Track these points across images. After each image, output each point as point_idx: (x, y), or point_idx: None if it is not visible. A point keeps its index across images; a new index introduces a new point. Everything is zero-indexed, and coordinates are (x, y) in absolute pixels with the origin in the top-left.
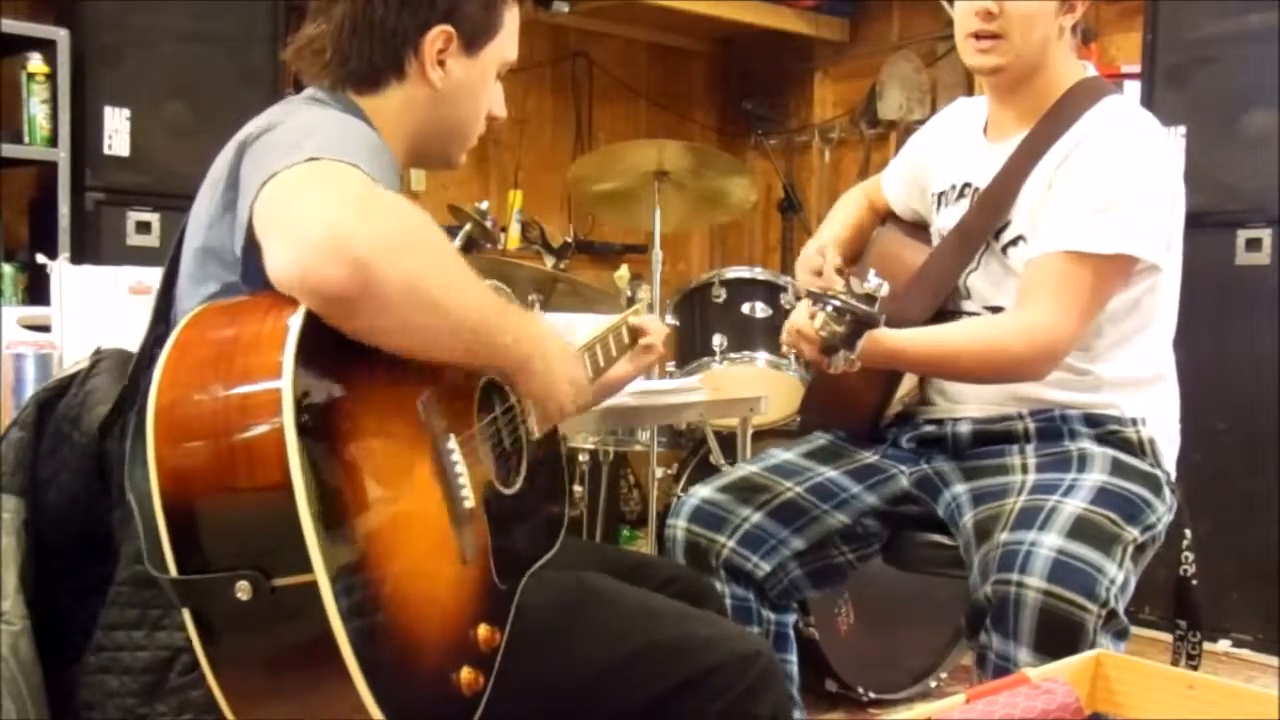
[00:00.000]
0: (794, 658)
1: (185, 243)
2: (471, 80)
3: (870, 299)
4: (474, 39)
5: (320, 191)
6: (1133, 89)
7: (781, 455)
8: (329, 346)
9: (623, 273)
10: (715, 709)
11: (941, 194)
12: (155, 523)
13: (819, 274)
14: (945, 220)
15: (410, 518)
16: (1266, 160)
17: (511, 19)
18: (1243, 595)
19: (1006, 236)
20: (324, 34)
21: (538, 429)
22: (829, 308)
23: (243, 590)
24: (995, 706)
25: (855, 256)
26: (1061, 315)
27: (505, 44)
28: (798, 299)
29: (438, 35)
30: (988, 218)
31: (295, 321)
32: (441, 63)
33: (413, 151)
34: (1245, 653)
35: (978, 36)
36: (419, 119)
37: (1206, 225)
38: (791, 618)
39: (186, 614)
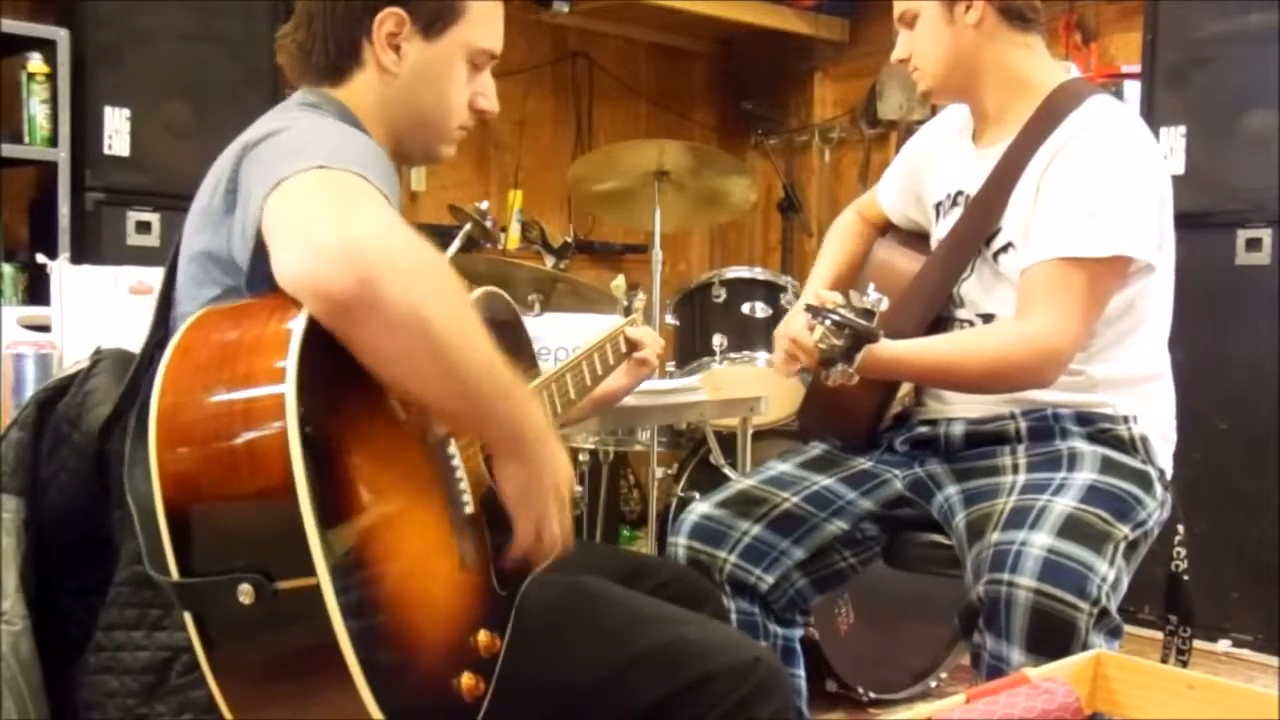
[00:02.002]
0: (801, 672)
1: (183, 246)
2: (431, 67)
3: (869, 314)
4: (432, 24)
5: (337, 199)
6: (1133, 89)
7: (778, 467)
8: (332, 351)
9: (619, 282)
10: (714, 715)
11: (939, 204)
12: (156, 525)
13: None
14: (943, 230)
15: (411, 522)
16: (1266, 160)
17: (481, 6)
18: (1242, 595)
19: (997, 243)
20: (291, 32)
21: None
22: (828, 322)
23: (245, 593)
24: (995, 706)
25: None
26: (1062, 321)
27: (473, 31)
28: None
29: (387, 17)
30: (978, 225)
31: (298, 325)
32: (396, 47)
33: (395, 146)
34: (1245, 653)
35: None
36: (389, 108)
37: (1206, 225)
38: (798, 632)
39: (187, 617)
